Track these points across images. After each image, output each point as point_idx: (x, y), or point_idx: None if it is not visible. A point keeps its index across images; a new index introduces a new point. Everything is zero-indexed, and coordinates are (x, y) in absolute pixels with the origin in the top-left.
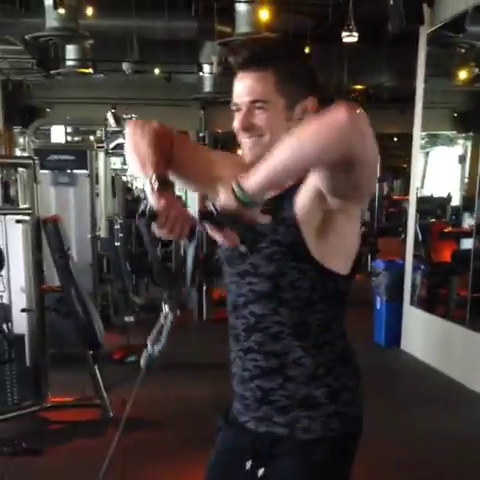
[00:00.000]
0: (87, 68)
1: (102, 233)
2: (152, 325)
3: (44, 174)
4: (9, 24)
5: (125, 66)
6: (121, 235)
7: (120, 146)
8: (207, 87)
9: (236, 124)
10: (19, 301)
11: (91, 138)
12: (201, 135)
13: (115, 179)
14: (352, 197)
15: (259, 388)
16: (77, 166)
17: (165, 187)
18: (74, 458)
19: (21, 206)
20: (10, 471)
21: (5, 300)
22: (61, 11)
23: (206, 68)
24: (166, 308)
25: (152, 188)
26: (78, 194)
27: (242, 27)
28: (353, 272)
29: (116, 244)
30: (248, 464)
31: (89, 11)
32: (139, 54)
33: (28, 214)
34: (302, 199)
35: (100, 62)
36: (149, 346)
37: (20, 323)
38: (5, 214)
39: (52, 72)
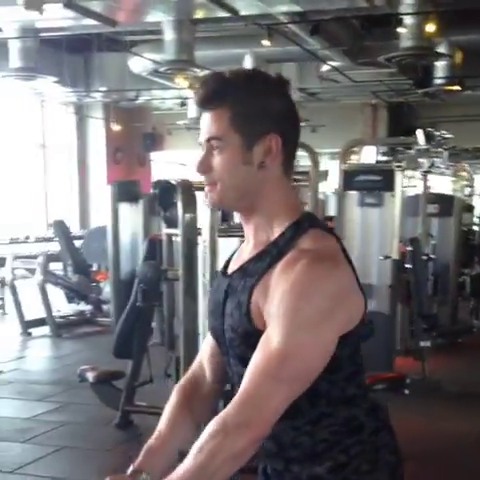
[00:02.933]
0: (453, 85)
1: (394, 255)
2: (450, 351)
3: (351, 195)
4: (379, 47)
5: None
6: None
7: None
8: None
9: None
10: None
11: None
12: None
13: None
14: None
15: (272, 469)
16: (384, 187)
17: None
18: None
19: None
20: None
21: None
22: (402, 30)
23: None
24: None
25: None
26: (383, 215)
27: None
28: (350, 332)
29: (407, 266)
30: None
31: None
32: None
33: None
34: (261, 286)
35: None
36: None
37: None
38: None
39: (419, 91)
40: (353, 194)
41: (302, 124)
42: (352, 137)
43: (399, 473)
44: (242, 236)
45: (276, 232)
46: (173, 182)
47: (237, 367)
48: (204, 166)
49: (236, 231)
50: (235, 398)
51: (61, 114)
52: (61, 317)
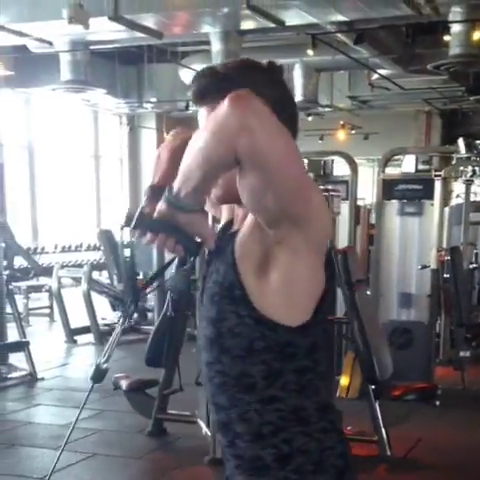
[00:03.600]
0: None
1: (432, 264)
2: None
3: (391, 204)
4: (429, 55)
5: None
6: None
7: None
8: None
9: None
10: None
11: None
12: None
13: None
14: (281, 216)
15: (220, 443)
16: (425, 196)
17: (157, 197)
18: None
19: None
20: None
21: None
22: (448, 38)
23: None
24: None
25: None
26: (423, 224)
27: None
28: (310, 323)
29: (445, 276)
30: None
31: None
32: None
33: None
34: (242, 233)
35: None
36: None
37: None
38: None
39: (472, 98)
40: (393, 203)
41: (353, 132)
42: (405, 144)
43: (347, 479)
44: None
45: None
46: None
47: (205, 330)
48: None
49: None
50: None
51: (114, 125)
52: (105, 325)
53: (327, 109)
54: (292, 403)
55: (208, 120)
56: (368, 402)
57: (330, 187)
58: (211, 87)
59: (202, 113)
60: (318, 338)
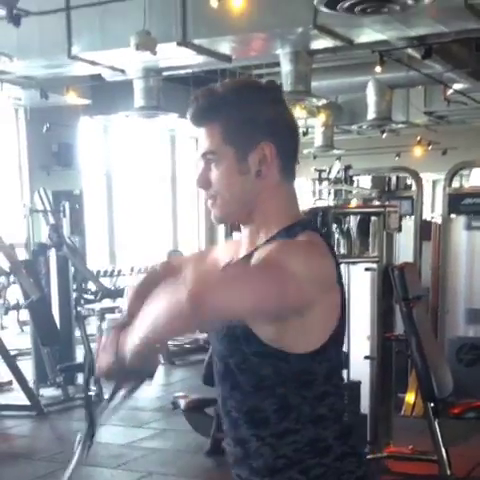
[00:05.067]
0: None
1: None
2: None
3: (457, 218)
4: None
5: None
6: None
7: None
8: None
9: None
10: (362, 348)
11: None
12: None
13: None
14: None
15: (237, 476)
16: None
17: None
18: None
19: (371, 254)
20: None
21: (344, 348)
22: None
23: None
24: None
25: None
26: None
27: None
28: (324, 347)
29: None
30: None
31: None
32: None
33: (376, 262)
34: None
35: None
36: None
37: (360, 370)
38: (353, 263)
39: None
40: (459, 218)
41: (430, 147)
42: None
43: None
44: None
45: (268, 236)
46: None
47: (217, 365)
48: (203, 180)
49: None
50: None
51: (191, 148)
52: (175, 345)
53: (402, 125)
54: (308, 435)
55: (162, 301)
56: (427, 420)
57: (387, 203)
58: (208, 109)
59: (200, 134)
60: (334, 360)
